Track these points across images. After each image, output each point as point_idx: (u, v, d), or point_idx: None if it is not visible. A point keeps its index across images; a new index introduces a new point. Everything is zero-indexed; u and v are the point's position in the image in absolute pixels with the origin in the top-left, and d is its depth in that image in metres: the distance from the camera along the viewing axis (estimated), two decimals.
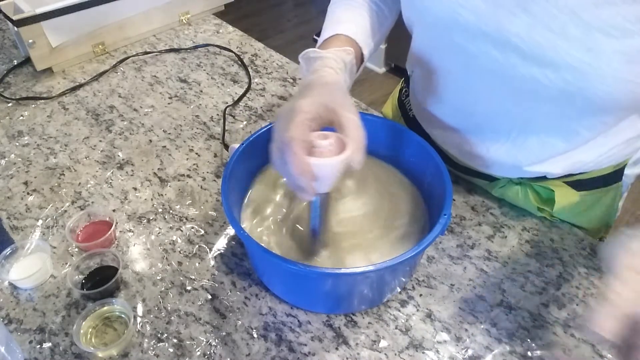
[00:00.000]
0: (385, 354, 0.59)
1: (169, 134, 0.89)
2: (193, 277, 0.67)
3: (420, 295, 0.65)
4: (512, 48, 0.54)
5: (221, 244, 0.71)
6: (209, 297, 0.64)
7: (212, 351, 0.59)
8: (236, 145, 0.66)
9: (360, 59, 0.68)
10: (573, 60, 0.51)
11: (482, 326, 0.61)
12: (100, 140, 0.88)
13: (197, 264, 0.68)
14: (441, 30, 0.61)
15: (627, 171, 0.73)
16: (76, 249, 0.70)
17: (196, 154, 0.85)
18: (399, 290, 0.65)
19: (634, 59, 0.49)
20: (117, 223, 0.73)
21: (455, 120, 0.71)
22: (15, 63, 1.05)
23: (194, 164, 0.83)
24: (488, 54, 0.57)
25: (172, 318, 0.62)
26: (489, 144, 0.69)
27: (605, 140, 0.64)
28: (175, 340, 0.60)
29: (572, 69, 0.52)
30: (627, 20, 0.48)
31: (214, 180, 0.80)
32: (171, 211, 0.75)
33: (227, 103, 0.95)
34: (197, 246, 0.70)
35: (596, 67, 0.50)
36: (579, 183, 0.71)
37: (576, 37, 0.50)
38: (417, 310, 0.63)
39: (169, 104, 0.96)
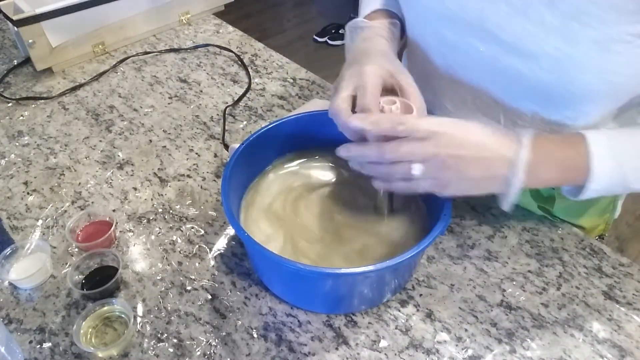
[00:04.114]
0: (385, 354, 0.59)
1: (169, 134, 0.89)
2: (193, 277, 0.67)
3: (420, 295, 0.65)
4: (494, 39, 0.56)
5: (221, 244, 0.71)
6: (209, 297, 0.64)
7: (212, 351, 0.59)
8: (236, 145, 0.66)
9: (401, 31, 0.70)
10: (551, 49, 0.52)
11: (482, 326, 0.62)
12: (100, 140, 0.88)
13: (197, 264, 0.68)
14: (429, 21, 0.63)
15: None
16: (76, 249, 0.70)
17: (196, 154, 0.85)
18: (399, 290, 0.65)
19: (610, 48, 0.50)
20: (117, 223, 0.73)
21: (449, 117, 0.71)
22: (15, 63, 1.05)
23: (194, 164, 0.83)
24: (472, 46, 0.58)
25: (172, 318, 0.62)
26: None
27: None
28: (175, 340, 0.60)
29: (551, 59, 0.52)
30: (602, 10, 0.48)
31: (214, 180, 0.80)
32: (171, 211, 0.75)
33: (227, 103, 0.95)
34: (197, 246, 0.70)
35: (573, 56, 0.51)
36: None
37: (553, 26, 0.51)
38: (417, 310, 0.63)
39: (169, 104, 0.96)
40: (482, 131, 0.52)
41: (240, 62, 1.06)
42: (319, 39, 2.89)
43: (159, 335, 0.61)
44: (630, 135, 0.55)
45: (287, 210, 0.67)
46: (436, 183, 0.52)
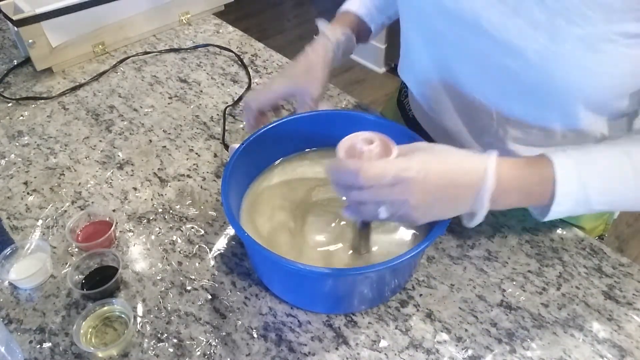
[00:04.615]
0: (385, 354, 0.59)
1: (169, 134, 0.89)
2: (193, 277, 0.67)
3: (420, 295, 0.65)
4: (487, 35, 0.56)
5: (221, 244, 0.71)
6: (209, 297, 0.65)
7: (212, 351, 0.59)
8: (236, 145, 0.66)
9: (368, 32, 0.79)
10: (539, 47, 0.52)
11: (482, 326, 0.62)
12: (100, 140, 0.88)
13: (197, 264, 0.68)
14: (426, 17, 0.63)
15: None
16: (76, 249, 0.70)
17: (196, 154, 0.85)
18: (399, 290, 0.65)
19: (596, 47, 0.50)
20: (117, 223, 0.73)
21: (447, 117, 0.71)
22: (15, 63, 1.05)
23: (194, 164, 0.83)
24: (467, 43, 0.59)
25: (172, 318, 0.62)
26: (481, 141, 0.69)
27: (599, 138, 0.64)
28: (175, 340, 0.60)
29: (538, 57, 0.53)
30: (588, 8, 0.48)
31: (214, 180, 0.80)
32: (171, 211, 0.75)
33: (227, 103, 0.95)
34: (197, 246, 0.70)
35: (559, 54, 0.51)
36: None
37: (541, 23, 0.51)
38: (417, 310, 0.63)
39: (169, 104, 0.96)
40: (449, 166, 0.51)
41: (240, 62, 1.06)
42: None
43: (159, 335, 0.61)
44: (598, 156, 0.53)
45: (287, 210, 0.67)
46: (404, 221, 0.53)
